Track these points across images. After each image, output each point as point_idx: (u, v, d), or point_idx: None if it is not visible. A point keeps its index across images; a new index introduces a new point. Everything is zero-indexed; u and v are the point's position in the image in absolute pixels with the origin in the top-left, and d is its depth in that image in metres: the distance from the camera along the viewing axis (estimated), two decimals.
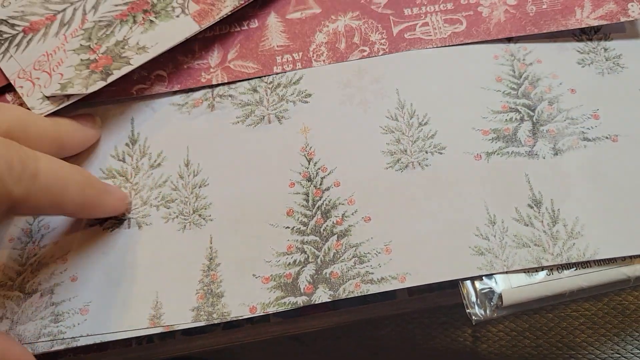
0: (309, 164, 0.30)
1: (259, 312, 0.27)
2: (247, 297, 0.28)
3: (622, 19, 0.31)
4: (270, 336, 0.30)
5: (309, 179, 0.30)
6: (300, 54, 0.33)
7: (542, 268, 0.27)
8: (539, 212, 0.28)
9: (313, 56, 0.33)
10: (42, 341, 0.27)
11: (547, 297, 0.27)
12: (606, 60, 0.31)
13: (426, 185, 0.29)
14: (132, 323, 0.27)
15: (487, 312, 0.27)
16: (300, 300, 0.27)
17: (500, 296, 0.27)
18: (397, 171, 0.29)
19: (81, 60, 0.31)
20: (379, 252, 0.28)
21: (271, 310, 0.27)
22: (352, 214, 0.29)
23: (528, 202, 0.28)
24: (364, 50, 0.33)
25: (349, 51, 0.33)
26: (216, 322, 0.27)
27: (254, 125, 0.32)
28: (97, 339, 0.27)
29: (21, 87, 0.31)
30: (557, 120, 0.30)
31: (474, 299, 0.27)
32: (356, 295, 0.27)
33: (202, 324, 0.27)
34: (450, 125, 0.30)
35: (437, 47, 0.32)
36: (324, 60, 0.33)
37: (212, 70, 0.33)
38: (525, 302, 0.27)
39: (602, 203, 0.28)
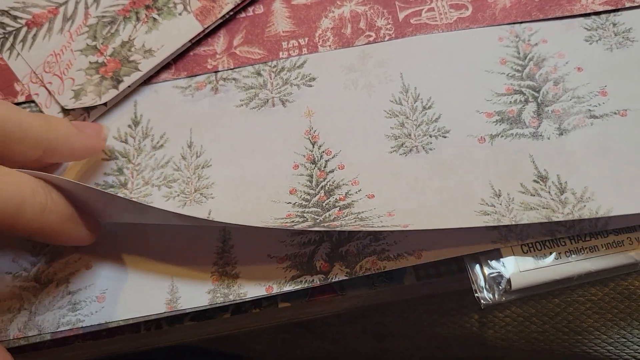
0: (313, 147, 0.30)
1: (275, 292, 0.27)
2: (262, 278, 0.27)
3: (627, 4, 0.31)
4: (278, 322, 0.30)
5: (313, 162, 0.30)
6: (306, 39, 0.33)
7: (551, 252, 0.27)
8: (545, 185, 0.27)
9: (319, 41, 0.33)
10: (61, 330, 0.27)
11: (555, 280, 0.27)
12: (615, 35, 0.31)
13: (430, 168, 0.29)
14: (150, 309, 0.27)
15: (496, 296, 0.27)
16: (317, 279, 0.27)
17: (508, 280, 0.26)
18: (401, 155, 0.29)
19: (90, 63, 0.32)
20: (381, 215, 0.27)
21: (288, 289, 0.27)
22: (356, 193, 0.29)
23: (533, 179, 0.28)
24: (370, 36, 0.33)
25: (355, 36, 0.33)
26: (234, 302, 0.27)
27: (258, 109, 0.32)
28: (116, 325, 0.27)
29: (37, 94, 0.32)
30: (562, 100, 0.30)
31: (482, 283, 0.27)
32: (373, 272, 0.27)
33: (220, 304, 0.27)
34: (454, 108, 0.30)
35: (442, 32, 0.32)
36: (329, 46, 0.33)
37: (218, 56, 0.33)
38: (533, 286, 0.27)
39: (612, 174, 0.27)
